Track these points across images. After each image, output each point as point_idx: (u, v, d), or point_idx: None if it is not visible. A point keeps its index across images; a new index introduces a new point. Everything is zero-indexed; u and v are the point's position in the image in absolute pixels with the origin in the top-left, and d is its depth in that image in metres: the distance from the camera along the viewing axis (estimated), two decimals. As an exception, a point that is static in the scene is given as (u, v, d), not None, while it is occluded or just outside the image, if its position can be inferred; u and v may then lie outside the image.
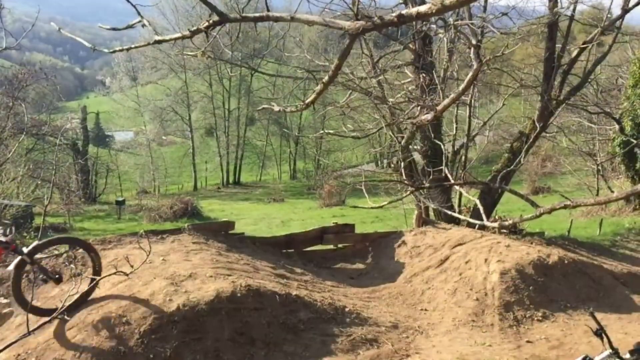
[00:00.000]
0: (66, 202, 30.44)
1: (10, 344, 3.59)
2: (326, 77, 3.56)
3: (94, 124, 57.59)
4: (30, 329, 3.20)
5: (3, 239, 5.37)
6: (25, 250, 5.41)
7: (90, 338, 5.13)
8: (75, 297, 5.38)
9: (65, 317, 5.33)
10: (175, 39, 3.53)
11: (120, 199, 37.79)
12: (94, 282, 5.44)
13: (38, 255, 5.69)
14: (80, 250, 6.64)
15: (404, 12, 2.89)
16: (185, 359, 5.25)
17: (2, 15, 6.68)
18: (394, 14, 2.95)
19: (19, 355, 5.05)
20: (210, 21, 3.30)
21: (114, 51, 3.90)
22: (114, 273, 5.62)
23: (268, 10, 3.41)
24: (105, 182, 45.06)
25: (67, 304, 5.37)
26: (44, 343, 5.14)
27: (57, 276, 5.81)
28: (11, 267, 5.43)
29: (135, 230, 10.36)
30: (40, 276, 5.70)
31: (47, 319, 5.16)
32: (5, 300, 6.35)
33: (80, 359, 4.94)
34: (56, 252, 7.30)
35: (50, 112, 37.64)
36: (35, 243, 5.54)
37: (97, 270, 5.87)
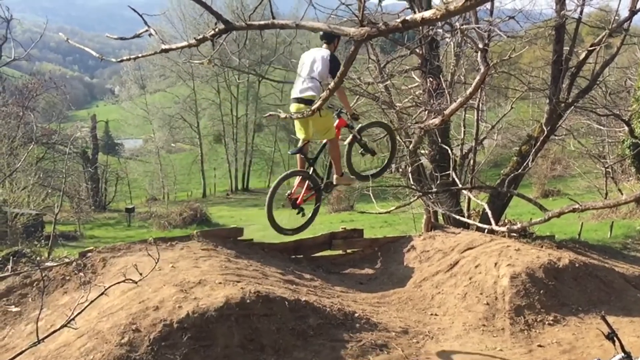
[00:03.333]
0: (76, 210, 30.61)
1: (21, 352, 3.61)
2: (332, 84, 3.56)
3: (104, 132, 57.81)
4: (41, 337, 3.22)
5: (349, 122, 6.33)
6: (356, 128, 6.41)
7: (100, 345, 5.16)
8: (85, 304, 5.40)
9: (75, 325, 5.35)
10: (182, 47, 3.54)
11: (130, 206, 37.96)
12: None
13: (48, 264, 5.77)
14: (90, 256, 6.68)
15: (408, 18, 2.89)
16: (195, 366, 5.26)
17: (11, 26, 6.77)
18: (399, 20, 2.96)
19: (30, 363, 5.09)
20: (216, 29, 3.31)
21: (122, 60, 3.92)
22: (123, 281, 5.62)
23: (273, 18, 3.42)
24: (115, 189, 45.21)
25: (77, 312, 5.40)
26: (55, 351, 5.18)
27: (373, 151, 6.76)
28: (345, 142, 6.46)
29: (145, 238, 10.43)
30: (360, 150, 6.60)
31: (57, 327, 5.20)
32: (16, 309, 6.39)
33: (90, 367, 4.96)
34: (67, 260, 7.36)
35: (60, 121, 37.92)
36: (361, 124, 6.59)
37: (393, 149, 7.13)
